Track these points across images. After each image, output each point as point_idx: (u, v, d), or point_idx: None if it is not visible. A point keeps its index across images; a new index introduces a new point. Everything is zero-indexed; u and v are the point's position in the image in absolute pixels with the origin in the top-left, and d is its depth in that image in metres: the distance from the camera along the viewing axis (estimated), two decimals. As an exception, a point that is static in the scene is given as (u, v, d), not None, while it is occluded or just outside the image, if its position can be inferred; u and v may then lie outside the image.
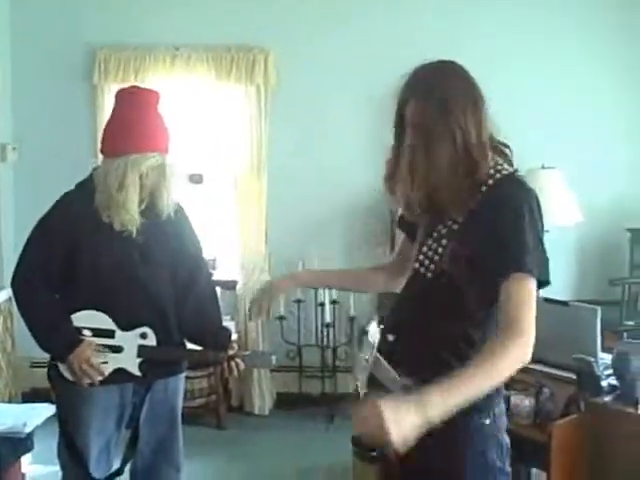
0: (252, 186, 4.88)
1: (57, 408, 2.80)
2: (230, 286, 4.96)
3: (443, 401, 1.68)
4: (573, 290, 4.86)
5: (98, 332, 2.65)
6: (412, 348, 1.95)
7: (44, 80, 5.01)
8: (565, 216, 4.53)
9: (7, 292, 4.70)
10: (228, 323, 4.82)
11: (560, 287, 4.67)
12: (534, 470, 3.19)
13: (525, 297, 1.81)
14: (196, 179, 4.95)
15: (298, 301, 4.92)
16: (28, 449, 3.63)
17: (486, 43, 4.84)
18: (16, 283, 2.71)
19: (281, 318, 4.90)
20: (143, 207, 2.67)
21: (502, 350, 1.75)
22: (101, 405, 2.69)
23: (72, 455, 2.70)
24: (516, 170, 1.95)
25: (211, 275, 2.99)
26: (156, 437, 2.81)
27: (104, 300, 2.65)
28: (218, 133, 5.01)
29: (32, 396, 4.49)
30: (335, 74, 4.90)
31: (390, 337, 1.98)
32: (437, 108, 1.87)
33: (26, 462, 3.76)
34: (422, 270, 1.98)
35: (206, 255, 4.88)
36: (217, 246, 5.16)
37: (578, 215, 4.57)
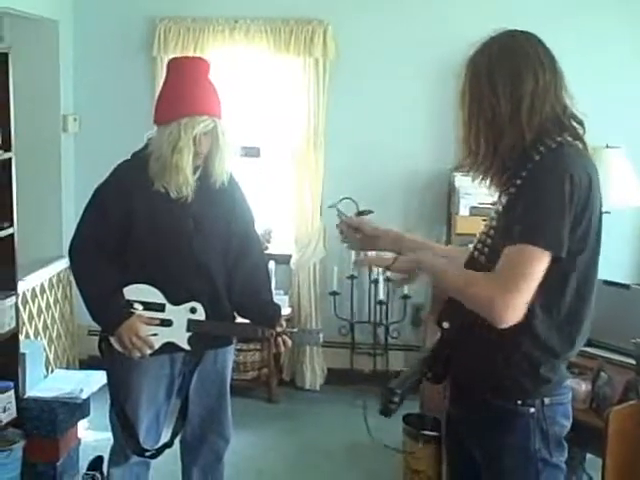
0: (309, 159, 4.86)
1: (108, 379, 2.84)
2: (285, 260, 4.97)
3: (431, 266, 1.96)
4: (635, 273, 4.74)
5: (149, 306, 2.68)
6: (464, 338, 1.93)
7: (105, 52, 5.06)
8: (628, 197, 4.40)
9: (67, 261, 4.79)
10: (281, 297, 4.84)
11: (621, 269, 4.57)
12: (589, 455, 3.14)
13: (522, 263, 1.77)
14: (253, 152, 4.95)
15: (352, 277, 4.90)
16: (84, 415, 3.72)
17: (548, 19, 4.69)
18: (72, 253, 2.75)
19: (334, 294, 4.90)
20: (198, 175, 2.68)
21: (482, 287, 1.79)
22: (151, 374, 2.73)
23: (123, 425, 2.74)
24: (571, 143, 1.88)
25: (263, 247, 2.99)
26: (205, 408, 2.84)
27: (156, 270, 2.67)
28: (276, 106, 4.99)
29: (89, 363, 4.58)
30: (394, 47, 4.83)
31: (445, 325, 1.96)
32: (475, 83, 1.91)
33: (82, 427, 3.85)
34: (476, 254, 1.96)
35: (261, 228, 4.92)
36: (272, 219, 5.17)
37: (642, 196, 4.44)
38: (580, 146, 1.91)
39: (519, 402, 1.88)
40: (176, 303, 2.69)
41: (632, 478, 2.77)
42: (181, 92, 2.67)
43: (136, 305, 2.67)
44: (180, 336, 2.70)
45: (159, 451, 2.81)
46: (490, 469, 1.97)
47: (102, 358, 2.81)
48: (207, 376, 2.81)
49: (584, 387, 2.90)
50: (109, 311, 2.66)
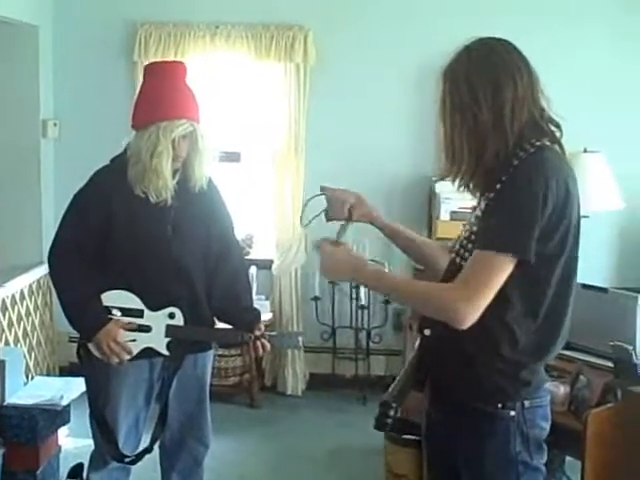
0: (290, 165, 4.86)
1: (87, 385, 2.83)
2: (266, 265, 4.97)
3: (376, 280, 2.03)
4: (613, 277, 4.77)
5: (127, 312, 2.68)
6: (445, 344, 1.93)
7: (85, 56, 5.04)
8: (607, 202, 4.44)
9: (46, 267, 4.76)
10: (263, 302, 4.84)
11: (599, 273, 4.60)
12: (568, 458, 3.16)
13: (486, 271, 1.79)
14: (234, 157, 4.94)
15: (333, 282, 4.90)
16: (64, 422, 3.69)
17: (528, 21, 4.73)
18: (50, 258, 2.75)
19: (316, 299, 4.90)
20: (177, 179, 2.68)
21: (441, 293, 1.85)
22: (130, 380, 2.72)
23: (102, 431, 2.73)
24: (550, 147, 1.89)
25: (243, 252, 2.98)
26: (185, 413, 2.84)
27: (135, 275, 2.67)
28: (257, 111, 5.00)
29: (69, 370, 4.55)
30: (375, 52, 4.85)
31: (427, 331, 1.97)
32: (455, 92, 1.92)
33: (62, 435, 3.82)
34: (457, 260, 1.96)
35: (241, 233, 4.91)
36: (253, 225, 5.16)
37: (620, 201, 4.48)
38: (558, 149, 1.93)
39: (499, 405, 1.88)
40: (154, 309, 2.69)
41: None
42: (159, 96, 2.66)
43: (114, 311, 2.67)
44: (159, 341, 2.69)
45: (138, 457, 2.79)
46: (470, 472, 1.97)
47: (80, 365, 2.80)
48: (187, 381, 2.81)
49: (563, 390, 2.92)
50: (87, 317, 2.66)
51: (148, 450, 2.80)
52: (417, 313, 2.10)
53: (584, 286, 3.21)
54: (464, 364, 1.91)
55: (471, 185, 1.95)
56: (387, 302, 4.85)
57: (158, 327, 2.69)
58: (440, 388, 2.00)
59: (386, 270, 2.93)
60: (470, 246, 1.92)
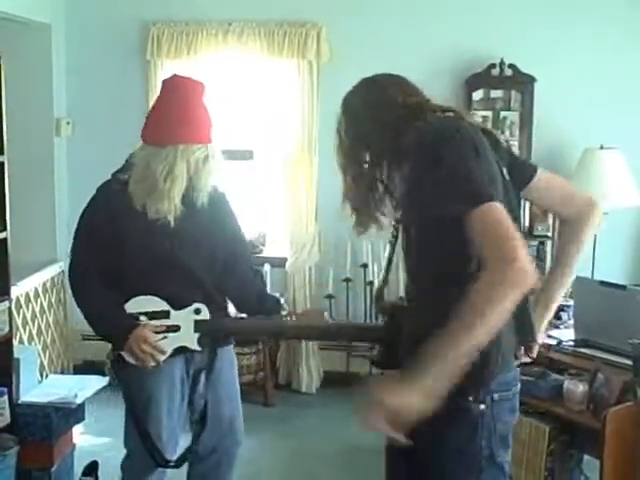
0: (303, 162, 4.84)
1: (125, 394, 2.79)
2: (280, 263, 4.95)
3: (437, 367, 1.63)
4: (631, 274, 4.72)
5: (153, 315, 2.68)
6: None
7: (98, 56, 5.05)
8: (624, 198, 4.40)
9: (60, 265, 4.78)
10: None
11: (617, 270, 4.57)
12: (586, 457, 3.13)
13: (495, 226, 1.67)
14: (246, 155, 4.93)
15: (347, 280, 4.89)
16: (79, 420, 3.69)
17: (541, 18, 4.70)
18: (71, 280, 2.75)
19: (330, 297, 4.89)
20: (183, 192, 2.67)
21: (488, 285, 1.62)
22: (167, 380, 2.72)
23: (145, 438, 2.71)
24: (421, 125, 1.88)
25: (251, 258, 2.99)
26: (220, 411, 2.83)
27: (152, 286, 2.67)
28: (269, 109, 4.98)
29: (84, 368, 4.56)
30: (388, 49, 4.82)
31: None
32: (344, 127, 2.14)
33: (77, 432, 3.82)
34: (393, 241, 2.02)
35: (254, 232, 4.91)
36: (267, 223, 5.15)
37: (638, 197, 4.44)
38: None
39: (470, 398, 1.83)
40: (179, 308, 2.70)
41: (630, 479, 2.76)
42: (180, 117, 2.63)
43: (141, 317, 2.67)
44: (189, 338, 2.70)
45: (182, 459, 2.79)
46: (432, 464, 1.93)
47: (118, 380, 2.80)
48: (219, 379, 2.81)
49: (581, 388, 2.89)
50: (115, 326, 2.66)
51: (191, 450, 2.80)
52: None
53: (602, 283, 3.18)
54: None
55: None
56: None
57: (186, 325, 2.70)
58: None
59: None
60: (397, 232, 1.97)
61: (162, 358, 2.66)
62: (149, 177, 2.61)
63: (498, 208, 1.70)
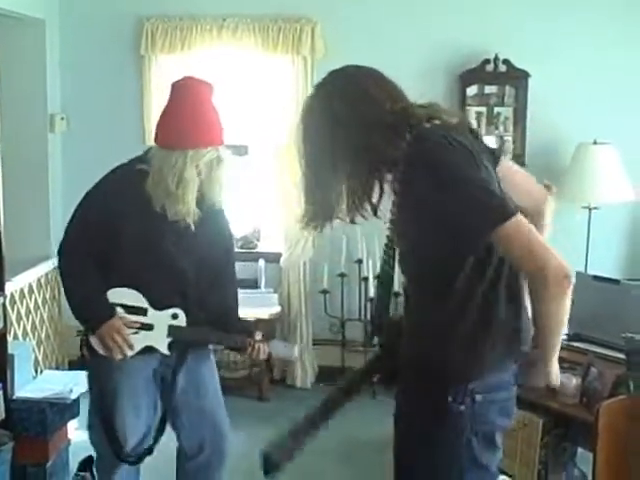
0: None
1: (90, 384, 2.84)
2: (274, 258, 4.96)
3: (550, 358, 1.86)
4: (624, 269, 4.74)
5: (131, 309, 2.70)
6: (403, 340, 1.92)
7: (92, 51, 5.04)
8: (617, 193, 4.42)
9: (54, 261, 4.77)
10: (271, 295, 4.84)
11: (611, 265, 4.58)
12: (580, 450, 3.15)
13: (523, 237, 1.71)
14: (241, 151, 4.92)
15: (342, 275, 4.90)
16: (74, 415, 3.70)
17: (537, 11, 4.71)
18: (60, 251, 2.75)
19: (325, 292, 4.89)
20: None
21: (547, 295, 1.71)
22: (134, 375, 2.73)
23: (107, 429, 2.73)
24: (417, 132, 1.82)
25: (236, 279, 3.01)
26: (197, 409, 2.83)
27: (139, 279, 2.68)
28: (264, 104, 4.98)
29: (78, 364, 4.54)
30: (383, 44, 4.82)
31: (376, 340, 1.96)
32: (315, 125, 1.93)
33: (72, 428, 3.82)
34: (386, 268, 1.98)
35: (249, 227, 4.90)
36: (261, 218, 5.16)
37: (630, 193, 4.45)
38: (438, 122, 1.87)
39: (450, 399, 1.84)
40: (159, 308, 2.72)
41: (622, 472, 2.78)
42: (188, 122, 2.63)
43: (118, 309, 2.69)
44: (160, 341, 2.72)
45: (140, 457, 2.81)
46: (417, 462, 1.95)
47: (85, 364, 2.82)
48: (193, 378, 2.82)
49: (574, 382, 2.91)
50: (93, 309, 2.68)
51: (149, 451, 2.81)
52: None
53: (595, 277, 3.20)
54: (421, 355, 1.89)
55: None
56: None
57: (161, 326, 2.72)
58: (402, 378, 1.97)
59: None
60: (391, 252, 1.93)
61: (130, 353, 2.68)
62: (161, 181, 2.63)
63: (521, 220, 1.72)
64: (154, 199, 2.64)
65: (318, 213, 1.95)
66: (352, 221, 1.94)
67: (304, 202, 1.97)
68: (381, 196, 1.90)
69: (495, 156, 1.97)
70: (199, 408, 2.84)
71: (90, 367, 2.81)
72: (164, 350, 2.73)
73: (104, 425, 2.74)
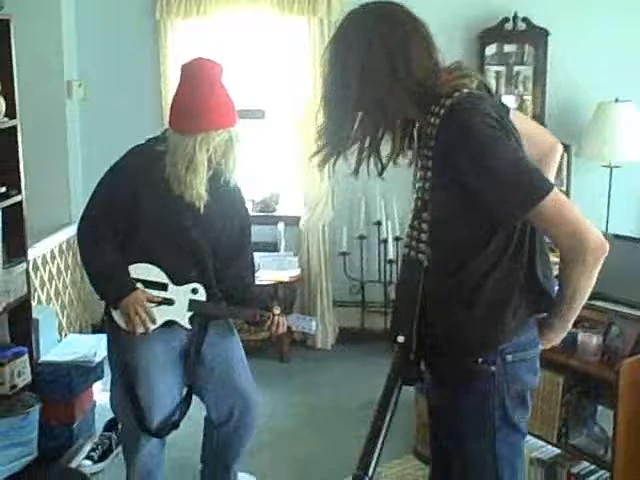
0: (315, 121, 4.81)
1: (112, 358, 2.86)
2: (294, 222, 4.97)
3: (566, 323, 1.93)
4: (645, 227, 4.72)
5: (152, 285, 2.73)
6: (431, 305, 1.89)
7: (108, 17, 5.02)
8: (638, 152, 4.37)
9: (75, 227, 4.81)
10: (291, 259, 4.86)
11: (631, 224, 4.55)
12: (600, 407, 3.15)
13: (559, 212, 1.73)
14: (258, 114, 4.92)
15: (361, 237, 4.91)
16: (98, 377, 3.76)
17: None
18: (80, 229, 2.78)
19: (344, 254, 4.91)
20: (209, 176, 2.69)
21: (583, 267, 1.76)
22: (158, 348, 2.75)
23: (133, 404, 2.75)
24: (463, 95, 1.79)
25: (252, 253, 3.02)
26: (223, 382, 2.87)
27: (158, 257, 2.71)
28: (281, 67, 4.95)
29: (102, 327, 4.60)
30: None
31: (400, 339, 1.90)
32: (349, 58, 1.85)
33: (96, 390, 3.89)
34: (413, 254, 1.91)
35: (267, 192, 4.91)
36: (280, 182, 5.16)
37: (652, 150, 4.40)
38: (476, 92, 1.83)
39: (480, 360, 1.85)
40: (179, 283, 2.74)
41: (643, 429, 2.79)
42: (196, 106, 2.63)
43: (138, 284, 2.71)
44: (181, 315, 2.75)
45: (165, 430, 2.83)
46: (448, 428, 1.98)
47: (108, 339, 2.86)
48: (215, 349, 2.85)
49: (595, 340, 2.90)
50: (115, 283, 2.70)
51: (175, 426, 2.84)
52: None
53: (616, 236, 3.18)
54: (448, 320, 1.88)
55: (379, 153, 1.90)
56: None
57: (181, 301, 2.75)
58: (430, 347, 1.94)
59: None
60: (425, 215, 1.87)
61: (152, 327, 2.70)
62: (174, 166, 2.64)
63: (558, 195, 1.73)
64: (172, 180, 2.66)
65: (326, 145, 1.93)
66: (355, 171, 1.92)
67: (316, 128, 1.96)
68: (393, 155, 1.89)
69: (505, 110, 1.94)
70: (227, 381, 2.87)
71: (111, 340, 2.84)
72: (185, 324, 2.76)
73: (129, 398, 2.76)
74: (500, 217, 1.80)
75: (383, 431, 1.86)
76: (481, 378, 1.87)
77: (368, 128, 1.87)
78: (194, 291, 2.76)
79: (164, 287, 2.74)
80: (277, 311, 2.87)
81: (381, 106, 1.83)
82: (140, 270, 2.72)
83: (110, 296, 2.73)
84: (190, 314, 2.76)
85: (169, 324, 2.75)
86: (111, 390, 2.91)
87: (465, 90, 1.79)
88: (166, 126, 2.81)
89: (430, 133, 1.81)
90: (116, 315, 2.72)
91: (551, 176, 2.01)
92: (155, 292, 2.72)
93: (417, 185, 1.91)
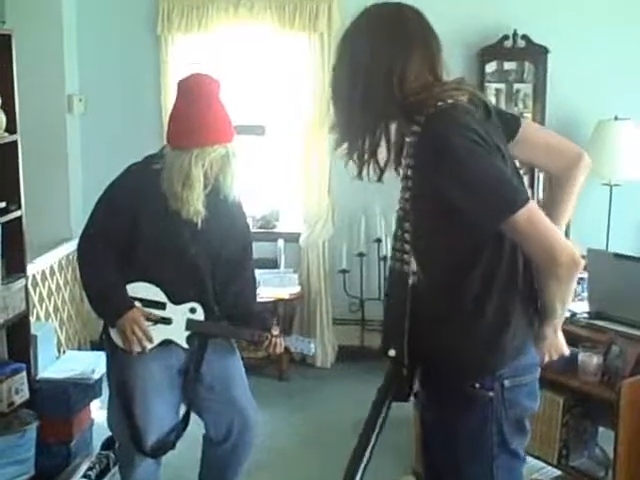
0: (316, 137, 4.82)
1: (109, 376, 2.85)
2: (293, 238, 4.96)
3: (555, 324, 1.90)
4: (645, 246, 4.71)
5: (149, 303, 2.72)
6: (423, 326, 1.87)
7: (109, 31, 5.03)
8: (638, 170, 4.36)
9: (75, 243, 4.79)
10: (291, 276, 4.84)
11: (632, 243, 4.54)
12: (601, 428, 3.14)
13: (532, 227, 1.71)
14: (258, 131, 4.92)
15: (361, 255, 4.90)
16: (96, 395, 3.73)
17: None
18: (81, 243, 2.78)
19: (344, 271, 4.90)
20: (207, 191, 2.68)
21: (557, 280, 1.75)
22: (154, 367, 2.74)
23: (129, 423, 2.74)
24: (445, 106, 1.77)
25: (254, 269, 3.01)
26: (223, 400, 2.85)
27: (156, 274, 2.70)
28: (281, 83, 4.96)
29: (100, 344, 4.58)
30: (401, 22, 4.78)
31: (391, 352, 1.88)
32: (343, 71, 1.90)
33: (95, 408, 3.86)
34: (398, 265, 1.89)
35: (267, 208, 4.90)
36: (280, 198, 5.15)
37: (652, 168, 4.40)
38: (466, 105, 1.81)
39: (477, 385, 1.83)
40: (177, 302, 2.73)
41: (644, 450, 2.77)
42: (191, 121, 2.63)
43: (137, 303, 2.71)
44: (179, 334, 2.74)
45: (161, 450, 2.81)
46: (446, 454, 1.95)
47: (106, 357, 2.85)
48: (214, 369, 2.83)
49: (595, 360, 2.89)
50: (112, 302, 2.69)
51: (172, 445, 2.82)
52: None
53: (617, 255, 3.17)
54: (444, 345, 1.86)
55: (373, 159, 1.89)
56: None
57: (179, 320, 2.74)
58: (425, 370, 1.93)
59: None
60: (406, 225, 1.86)
61: (149, 346, 2.69)
62: (171, 182, 2.64)
63: (532, 209, 1.71)
64: (169, 197, 2.65)
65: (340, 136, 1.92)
66: (358, 174, 1.91)
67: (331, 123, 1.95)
68: (388, 163, 1.89)
69: (514, 122, 1.93)
70: (227, 399, 2.85)
71: (109, 359, 2.83)
72: (183, 343, 2.75)
73: (125, 417, 2.75)
74: (476, 229, 1.78)
75: (369, 448, 1.85)
76: (478, 403, 1.84)
77: (361, 130, 1.87)
78: (192, 310, 2.75)
79: (162, 306, 2.73)
80: (276, 332, 2.85)
81: (367, 110, 1.83)
82: (138, 289, 2.71)
83: (108, 315, 2.72)
84: (188, 333, 2.75)
85: (166, 343, 2.74)
86: (108, 408, 2.90)
87: (449, 101, 1.78)
88: (165, 142, 2.81)
89: (412, 143, 1.80)
90: (113, 333, 2.71)
91: (578, 186, 1.98)
92: (153, 311, 2.72)
93: (400, 195, 1.90)
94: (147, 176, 2.69)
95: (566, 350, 1.99)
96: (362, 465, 1.83)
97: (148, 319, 2.69)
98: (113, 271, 2.69)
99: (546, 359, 1.95)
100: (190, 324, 2.74)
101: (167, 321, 2.73)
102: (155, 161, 2.72)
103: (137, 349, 2.68)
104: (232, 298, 2.85)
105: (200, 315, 2.76)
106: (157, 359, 2.73)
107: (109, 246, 2.69)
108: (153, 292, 2.71)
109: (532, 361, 1.90)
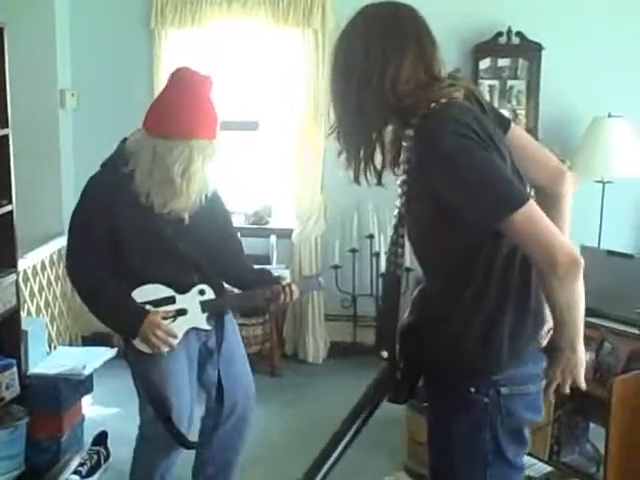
0: (309, 133, 4.81)
1: (138, 382, 2.81)
2: (286, 234, 4.95)
3: (577, 340, 1.80)
4: (638, 243, 4.70)
5: (159, 302, 2.71)
6: (422, 329, 1.89)
7: (102, 26, 5.01)
8: (631, 168, 4.37)
9: (66, 238, 4.78)
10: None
11: (624, 240, 4.55)
12: (592, 425, 3.15)
13: (530, 226, 1.68)
14: (252, 126, 4.91)
15: (353, 251, 4.89)
16: (88, 391, 3.72)
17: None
18: (72, 275, 2.77)
19: (336, 267, 4.89)
20: None
21: (558, 281, 1.70)
22: (181, 358, 2.75)
23: (166, 421, 2.71)
24: (438, 106, 1.75)
25: (240, 240, 3.05)
26: (234, 378, 2.89)
27: (153, 275, 2.70)
28: (275, 79, 4.94)
29: (92, 340, 4.58)
30: (394, 18, 4.77)
31: (384, 354, 1.89)
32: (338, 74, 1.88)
33: (86, 403, 3.85)
34: (392, 269, 1.88)
35: (259, 205, 4.89)
36: (273, 194, 5.14)
37: (645, 166, 4.40)
38: (462, 102, 1.80)
39: (472, 389, 1.82)
40: (184, 291, 2.73)
41: (635, 447, 2.78)
42: (191, 110, 2.59)
43: (147, 307, 2.69)
44: (199, 319, 2.75)
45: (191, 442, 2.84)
46: (442, 457, 1.94)
47: (132, 370, 2.82)
48: (228, 347, 2.87)
49: (587, 357, 2.88)
50: (126, 316, 2.67)
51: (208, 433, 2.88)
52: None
53: (609, 252, 3.18)
54: (439, 349, 1.86)
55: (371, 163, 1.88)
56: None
57: (193, 306, 2.74)
58: (427, 371, 1.93)
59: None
60: (402, 229, 1.84)
61: (175, 342, 2.69)
62: (163, 172, 2.58)
63: (531, 209, 1.69)
64: (142, 195, 2.61)
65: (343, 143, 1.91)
66: (355, 179, 1.90)
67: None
68: (385, 166, 1.88)
69: (505, 123, 1.91)
70: (232, 375, 2.88)
71: (135, 366, 2.80)
72: (205, 326, 2.77)
73: (162, 418, 2.72)
74: (473, 229, 1.76)
75: (341, 446, 1.84)
76: (474, 407, 1.82)
77: (357, 138, 1.86)
78: (201, 292, 2.76)
79: (172, 300, 2.73)
80: (284, 282, 2.86)
81: (362, 116, 1.82)
82: (143, 293, 2.69)
83: (127, 329, 2.70)
84: (206, 315, 2.76)
85: (191, 331, 2.75)
86: (141, 415, 2.86)
87: (443, 100, 1.76)
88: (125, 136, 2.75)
89: (408, 147, 1.79)
90: (138, 343, 2.69)
91: (565, 205, 1.95)
92: (165, 308, 2.70)
93: (397, 200, 1.89)
94: (116, 182, 2.64)
95: (582, 384, 1.86)
96: (326, 467, 1.81)
97: (165, 318, 2.68)
98: (113, 287, 2.68)
99: (556, 378, 1.83)
100: (205, 305, 2.75)
101: (183, 312, 2.73)
102: (118, 166, 2.65)
103: (165, 349, 2.67)
104: (228, 270, 2.87)
105: (210, 294, 2.76)
106: (181, 349, 2.74)
107: (98, 265, 2.66)
108: (158, 290, 2.70)
109: (535, 372, 1.85)
